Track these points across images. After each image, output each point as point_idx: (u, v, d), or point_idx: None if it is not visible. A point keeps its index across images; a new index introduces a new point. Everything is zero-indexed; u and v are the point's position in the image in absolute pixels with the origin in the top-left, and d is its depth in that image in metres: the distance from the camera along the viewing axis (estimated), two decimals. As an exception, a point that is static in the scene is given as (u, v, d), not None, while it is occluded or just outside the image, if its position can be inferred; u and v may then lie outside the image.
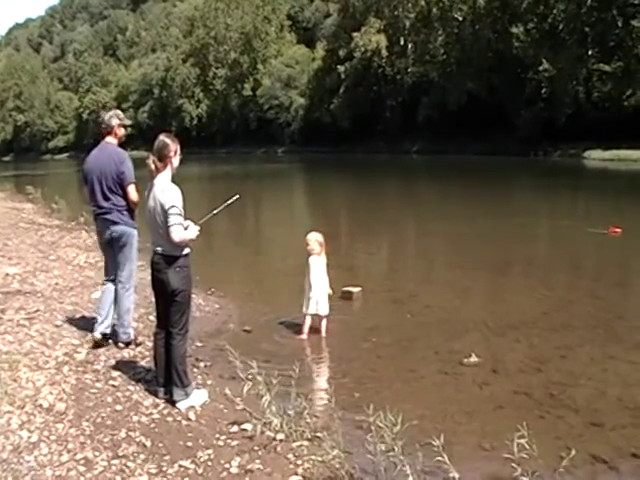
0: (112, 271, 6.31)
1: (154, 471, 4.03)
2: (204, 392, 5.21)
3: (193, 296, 5.65)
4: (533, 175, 32.85)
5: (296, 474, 4.00)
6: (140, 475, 3.97)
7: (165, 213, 4.77)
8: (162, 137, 5.04)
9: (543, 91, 45.72)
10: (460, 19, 57.05)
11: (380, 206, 20.82)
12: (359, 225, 17.00)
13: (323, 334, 7.00)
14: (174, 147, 4.99)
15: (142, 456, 4.20)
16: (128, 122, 6.50)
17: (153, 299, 5.27)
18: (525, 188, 26.17)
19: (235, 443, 4.42)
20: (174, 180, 5.02)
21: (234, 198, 5.52)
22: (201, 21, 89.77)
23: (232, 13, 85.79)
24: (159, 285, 4.97)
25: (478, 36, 54.77)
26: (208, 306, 8.14)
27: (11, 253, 10.52)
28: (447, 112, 53.34)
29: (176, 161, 5.04)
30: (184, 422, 4.76)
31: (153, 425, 4.68)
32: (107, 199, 6.09)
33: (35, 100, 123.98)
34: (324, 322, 7.03)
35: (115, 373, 5.58)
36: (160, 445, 4.36)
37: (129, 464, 4.07)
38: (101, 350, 6.13)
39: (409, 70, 62.03)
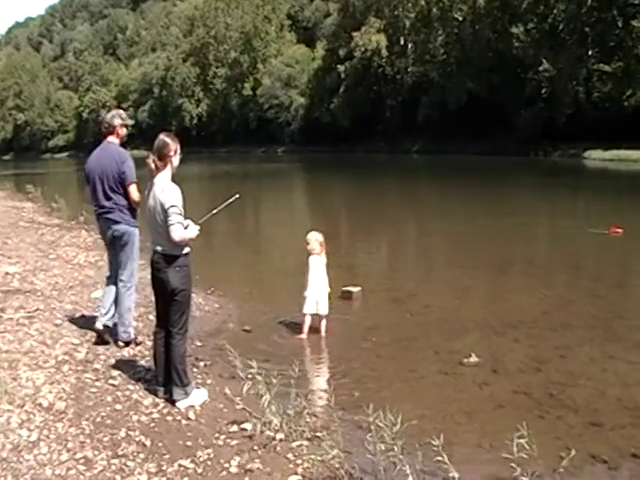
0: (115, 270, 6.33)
1: (154, 470, 4.03)
2: (204, 391, 5.21)
3: (193, 295, 5.65)
4: (533, 175, 32.85)
5: (296, 473, 4.00)
6: (140, 474, 3.97)
7: (165, 212, 4.77)
8: (162, 136, 5.04)
9: (543, 91, 45.72)
10: (460, 19, 57.04)
11: (380, 205, 20.83)
12: (359, 224, 17.00)
13: (323, 334, 7.00)
14: (174, 146, 4.99)
15: (142, 455, 4.20)
16: (130, 122, 6.51)
17: (153, 298, 5.27)
18: (525, 188, 26.17)
19: (235, 442, 4.41)
20: (174, 179, 5.02)
21: (234, 197, 5.52)
22: (201, 20, 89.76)
23: (232, 12, 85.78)
24: (159, 284, 4.97)
25: (478, 36, 54.77)
26: (208, 305, 8.14)
27: (11, 252, 10.51)
28: (447, 112, 53.35)
29: (176, 160, 5.03)
30: (184, 421, 4.76)
31: (153, 424, 4.68)
32: (109, 198, 6.11)
33: (35, 99, 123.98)
34: (324, 322, 7.03)
35: (115, 372, 5.58)
36: (160, 444, 4.36)
37: (129, 463, 4.07)
38: (101, 349, 6.13)
39: (409, 70, 62.04)
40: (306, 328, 6.93)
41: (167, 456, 4.21)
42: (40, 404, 4.71)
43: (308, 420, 4.60)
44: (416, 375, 5.87)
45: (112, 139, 6.28)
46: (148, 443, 4.36)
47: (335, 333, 7.04)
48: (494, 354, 6.30)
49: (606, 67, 42.71)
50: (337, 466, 4.01)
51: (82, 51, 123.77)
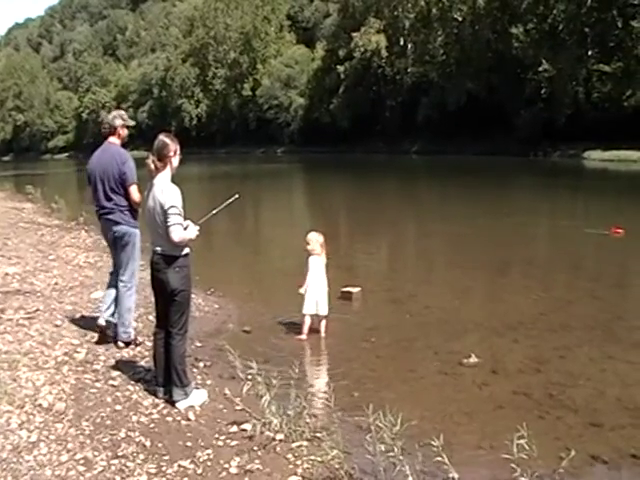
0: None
1: (153, 471, 4.03)
2: (203, 392, 5.21)
3: (193, 296, 5.65)
4: (533, 175, 32.85)
5: (295, 474, 4.00)
6: (139, 475, 3.97)
7: (165, 213, 4.77)
8: (162, 137, 5.04)
9: (543, 91, 45.71)
10: (460, 19, 57.04)
11: (379, 206, 20.82)
12: (358, 225, 17.00)
13: (322, 334, 7.00)
14: (174, 147, 5.00)
15: (141, 456, 4.20)
16: (132, 123, 6.52)
17: (153, 299, 5.27)
18: (525, 188, 26.18)
19: (234, 443, 4.42)
20: (174, 180, 5.02)
21: (233, 198, 5.52)
22: (201, 21, 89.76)
23: (232, 13, 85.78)
24: (159, 285, 4.97)
25: (478, 36, 54.78)
26: (207, 306, 8.14)
27: (11, 253, 10.51)
28: (447, 112, 53.36)
29: (176, 161, 5.04)
30: (183, 422, 4.76)
31: (152, 425, 4.68)
32: (109, 199, 6.12)
33: (35, 100, 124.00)
34: (324, 322, 7.03)
35: (115, 373, 5.58)
36: (159, 445, 4.36)
37: (128, 464, 4.07)
38: (101, 350, 6.13)
39: (409, 70, 62.04)
40: (306, 329, 6.93)
41: (167, 457, 4.21)
42: (40, 405, 4.71)
43: (308, 421, 4.60)
44: (416, 376, 5.88)
45: (113, 140, 6.29)
46: (148, 444, 4.36)
47: (335, 334, 7.04)
48: (494, 355, 6.31)
49: (606, 67, 42.70)
50: (337, 467, 4.01)
51: (82, 52, 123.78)
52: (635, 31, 41.68)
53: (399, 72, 63.11)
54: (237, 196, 5.55)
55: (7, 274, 8.73)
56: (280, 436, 4.42)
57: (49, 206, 18.53)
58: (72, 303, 7.64)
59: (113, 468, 4.02)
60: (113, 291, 6.30)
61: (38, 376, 5.19)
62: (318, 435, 4.44)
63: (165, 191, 4.83)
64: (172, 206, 4.77)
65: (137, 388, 5.30)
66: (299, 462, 4.14)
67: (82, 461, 4.05)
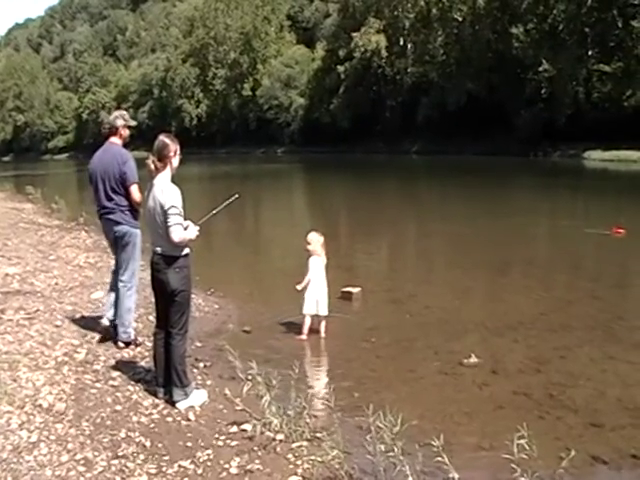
0: None
1: (154, 471, 4.03)
2: (203, 392, 5.21)
3: (193, 296, 5.65)
4: (533, 175, 32.86)
5: (296, 474, 4.01)
6: (140, 475, 3.97)
7: (165, 213, 4.78)
8: (162, 137, 5.04)
9: (543, 91, 45.72)
10: (460, 19, 57.04)
11: (380, 206, 20.82)
12: (359, 225, 17.00)
13: (323, 334, 7.00)
14: (174, 147, 5.00)
15: (142, 456, 4.20)
16: (133, 123, 6.52)
17: (153, 299, 5.27)
18: (525, 188, 26.17)
19: (235, 443, 4.42)
20: (174, 180, 5.02)
21: (233, 197, 5.52)
22: (201, 21, 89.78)
23: (232, 13, 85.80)
24: (159, 285, 4.97)
25: (478, 36, 54.79)
26: (208, 306, 8.14)
27: (11, 253, 10.51)
28: (447, 112, 53.36)
29: (176, 161, 5.04)
30: (184, 422, 4.76)
31: (153, 425, 4.68)
32: (110, 199, 6.14)
33: (35, 100, 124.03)
34: (324, 322, 7.03)
35: (115, 373, 5.58)
36: (160, 445, 4.37)
37: (129, 464, 4.08)
38: (101, 350, 6.13)
39: (409, 70, 62.08)
40: (306, 329, 6.94)
41: (167, 457, 4.21)
42: (40, 405, 4.71)
43: (308, 421, 4.60)
44: (416, 376, 5.88)
45: (115, 140, 6.31)
46: (148, 444, 4.36)
47: (335, 334, 7.04)
48: (494, 355, 6.31)
49: (606, 67, 42.72)
50: (337, 467, 4.01)
51: (82, 52, 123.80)
52: (635, 31, 41.70)
53: (399, 72, 63.14)
54: (237, 196, 5.55)
55: (7, 274, 8.73)
56: (280, 436, 4.42)
57: (49, 206, 18.54)
58: (72, 303, 7.64)
59: (113, 468, 4.02)
60: (115, 292, 6.32)
61: (38, 376, 5.19)
62: (318, 435, 4.44)
63: (165, 191, 4.83)
64: (172, 206, 4.77)
65: (137, 388, 5.30)
66: (299, 462, 4.14)
67: (82, 461, 4.05)
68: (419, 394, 5.47)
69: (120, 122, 6.29)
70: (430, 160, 47.15)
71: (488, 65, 52.59)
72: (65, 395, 4.97)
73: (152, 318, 6.34)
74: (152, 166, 4.92)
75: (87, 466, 4.01)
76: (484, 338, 6.88)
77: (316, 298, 6.93)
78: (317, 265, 6.99)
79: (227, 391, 5.24)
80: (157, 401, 5.07)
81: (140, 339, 6.43)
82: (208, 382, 5.59)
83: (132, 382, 5.41)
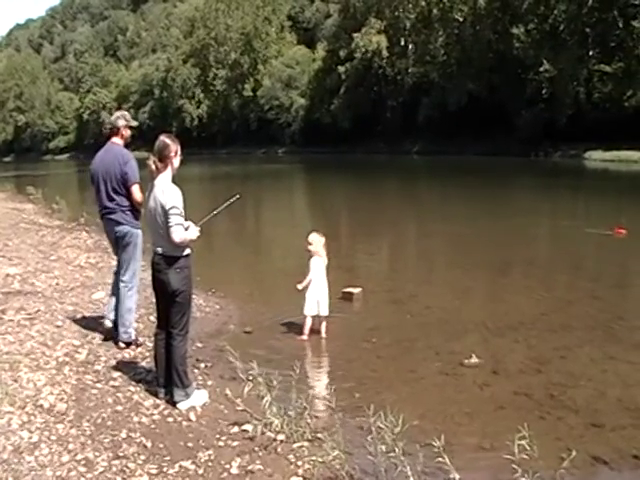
0: None
1: (154, 472, 4.03)
2: (204, 393, 5.21)
3: (194, 297, 5.65)
4: (534, 175, 32.85)
5: (297, 475, 4.01)
6: (141, 476, 3.97)
7: (165, 214, 4.78)
8: (162, 138, 5.05)
9: (544, 92, 45.72)
10: (460, 20, 57.07)
11: (380, 206, 20.82)
12: (359, 225, 16.99)
13: (323, 335, 7.01)
14: (174, 148, 5.00)
15: (143, 457, 4.20)
16: (135, 123, 6.53)
17: (154, 300, 5.27)
18: (526, 188, 26.17)
19: (236, 444, 4.42)
20: (174, 181, 5.02)
21: (234, 198, 5.52)
22: (201, 22, 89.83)
23: (232, 14, 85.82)
24: (160, 286, 4.97)
25: (479, 37, 54.80)
26: (209, 307, 8.14)
27: (12, 253, 10.51)
28: (447, 113, 53.37)
29: (177, 162, 5.04)
30: (184, 423, 4.76)
31: (154, 426, 4.69)
32: (111, 199, 6.15)
33: (36, 100, 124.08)
34: (324, 323, 7.04)
35: (116, 374, 5.58)
36: (161, 446, 4.37)
37: (130, 465, 4.08)
38: (102, 350, 6.13)
39: (409, 71, 62.10)
40: (307, 329, 6.94)
41: (168, 457, 4.21)
42: (41, 405, 4.71)
43: (309, 421, 4.60)
44: (417, 376, 5.88)
45: (116, 140, 6.31)
46: (149, 444, 4.37)
47: (336, 334, 7.04)
48: (494, 355, 6.31)
49: (607, 68, 42.71)
50: (338, 467, 4.01)
51: (82, 52, 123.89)
52: (636, 31, 41.69)
53: (400, 72, 63.16)
54: (238, 196, 5.55)
55: (8, 275, 8.74)
56: (281, 437, 4.42)
57: (50, 207, 18.55)
58: (73, 304, 7.64)
59: (114, 469, 4.02)
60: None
61: (39, 377, 5.19)
62: (319, 436, 4.44)
63: (166, 192, 4.83)
64: (173, 207, 4.77)
65: (138, 389, 5.30)
66: (300, 463, 4.14)
67: (83, 462, 4.06)
68: (420, 394, 5.47)
69: (122, 122, 6.30)
70: (431, 160, 47.15)
71: (489, 65, 52.61)
72: (66, 395, 4.98)
73: (153, 318, 6.35)
74: (153, 166, 4.92)
75: (88, 466, 4.01)
76: (485, 338, 6.88)
77: (317, 299, 6.93)
78: (318, 266, 6.99)
79: (228, 391, 5.25)
80: (158, 401, 5.07)
81: (141, 339, 6.43)
82: (209, 382, 5.60)
83: (133, 382, 5.41)
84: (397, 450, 3.89)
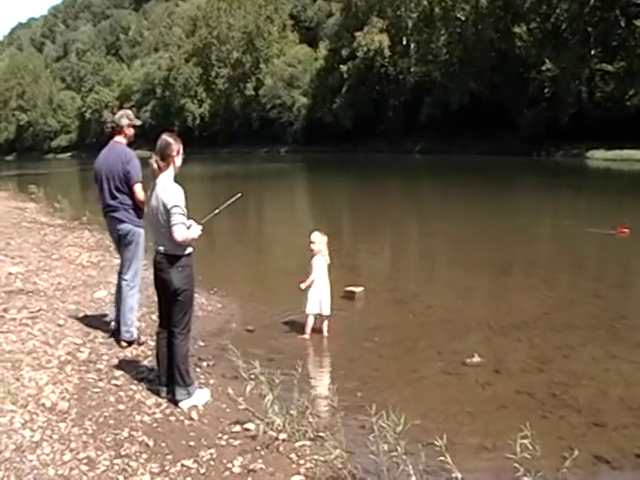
0: None
1: (156, 470, 4.03)
2: (206, 391, 5.21)
3: (196, 295, 5.65)
4: (536, 175, 32.82)
5: (298, 474, 4.00)
6: (142, 474, 3.97)
7: (167, 212, 4.78)
8: (165, 136, 5.04)
9: (546, 91, 45.65)
10: (463, 19, 57.03)
11: (382, 205, 20.81)
12: (361, 224, 16.99)
13: (325, 334, 7.00)
14: (177, 147, 5.00)
15: (144, 455, 4.20)
16: (138, 122, 6.53)
17: (156, 298, 5.27)
18: (528, 188, 26.15)
19: (237, 443, 4.42)
20: (176, 179, 5.02)
21: (236, 197, 5.52)
22: (203, 21, 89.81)
23: (234, 13, 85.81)
24: (162, 284, 4.97)
25: (481, 36, 54.73)
26: (211, 305, 8.14)
27: (14, 252, 10.52)
28: (449, 112, 53.32)
29: (179, 161, 5.04)
30: (186, 421, 4.76)
31: (155, 424, 4.69)
32: (114, 198, 6.16)
33: (38, 99, 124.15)
34: (326, 322, 7.03)
35: (118, 372, 5.58)
36: (162, 444, 4.37)
37: (132, 463, 4.08)
38: (104, 349, 6.14)
39: (411, 70, 62.06)
40: (309, 328, 6.94)
41: (170, 456, 4.21)
42: (43, 404, 4.72)
43: (311, 420, 4.60)
44: (419, 375, 5.87)
45: (119, 139, 6.32)
46: (151, 443, 4.37)
47: (338, 333, 7.04)
48: (497, 354, 6.30)
49: (609, 67, 42.64)
50: (340, 466, 4.01)
51: (85, 51, 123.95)
52: (638, 30, 41.60)
53: (402, 71, 63.12)
54: (239, 195, 5.56)
55: (10, 273, 8.74)
56: (283, 436, 4.42)
57: (52, 206, 18.58)
58: (75, 302, 7.65)
59: (116, 467, 4.02)
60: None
61: (41, 375, 5.19)
62: (321, 435, 4.44)
63: (168, 191, 4.83)
64: (175, 205, 4.77)
65: (140, 387, 5.31)
66: (302, 462, 4.14)
67: (85, 460, 4.06)
68: (422, 394, 5.47)
69: (125, 121, 6.31)
70: (433, 159, 47.14)
71: (491, 64, 52.54)
72: (68, 394, 4.98)
73: (155, 317, 6.35)
74: (155, 165, 4.92)
75: (90, 465, 4.01)
76: (487, 338, 6.87)
77: (319, 298, 6.93)
78: (321, 265, 6.99)
79: (230, 390, 5.25)
80: (160, 400, 5.07)
81: (143, 338, 6.43)
82: (211, 381, 5.60)
83: (135, 381, 5.42)
84: (399, 449, 3.88)
